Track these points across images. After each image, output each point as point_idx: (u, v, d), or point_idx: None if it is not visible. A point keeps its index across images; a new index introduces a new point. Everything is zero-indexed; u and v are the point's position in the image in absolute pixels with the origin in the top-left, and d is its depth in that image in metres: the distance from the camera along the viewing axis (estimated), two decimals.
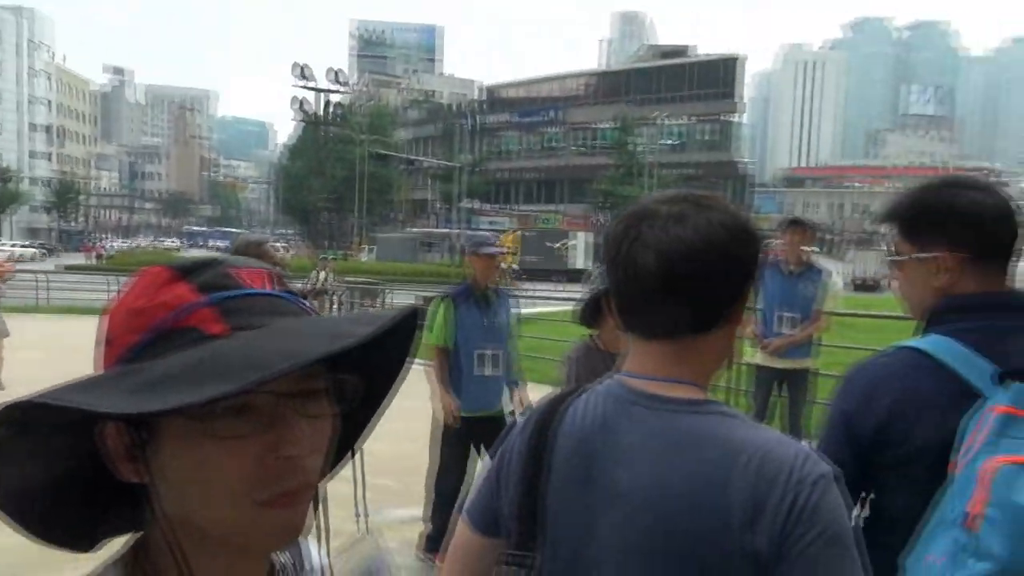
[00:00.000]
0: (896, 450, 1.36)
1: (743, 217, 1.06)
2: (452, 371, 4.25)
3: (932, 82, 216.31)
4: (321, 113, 18.35)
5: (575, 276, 39.81)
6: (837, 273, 6.34)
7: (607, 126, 56.99)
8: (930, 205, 1.47)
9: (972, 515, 1.21)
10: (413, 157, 50.64)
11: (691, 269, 1.00)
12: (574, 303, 3.22)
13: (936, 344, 1.39)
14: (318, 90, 19.72)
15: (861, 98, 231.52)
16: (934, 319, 1.44)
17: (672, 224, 1.01)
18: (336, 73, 19.21)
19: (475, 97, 77.63)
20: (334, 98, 19.15)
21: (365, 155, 47.29)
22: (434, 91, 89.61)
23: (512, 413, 4.28)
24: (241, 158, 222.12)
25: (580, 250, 41.20)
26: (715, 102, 57.61)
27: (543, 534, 1.05)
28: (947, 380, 1.34)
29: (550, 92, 66.55)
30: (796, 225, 5.51)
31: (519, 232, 46.09)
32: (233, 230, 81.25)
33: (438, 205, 63.89)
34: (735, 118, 59.73)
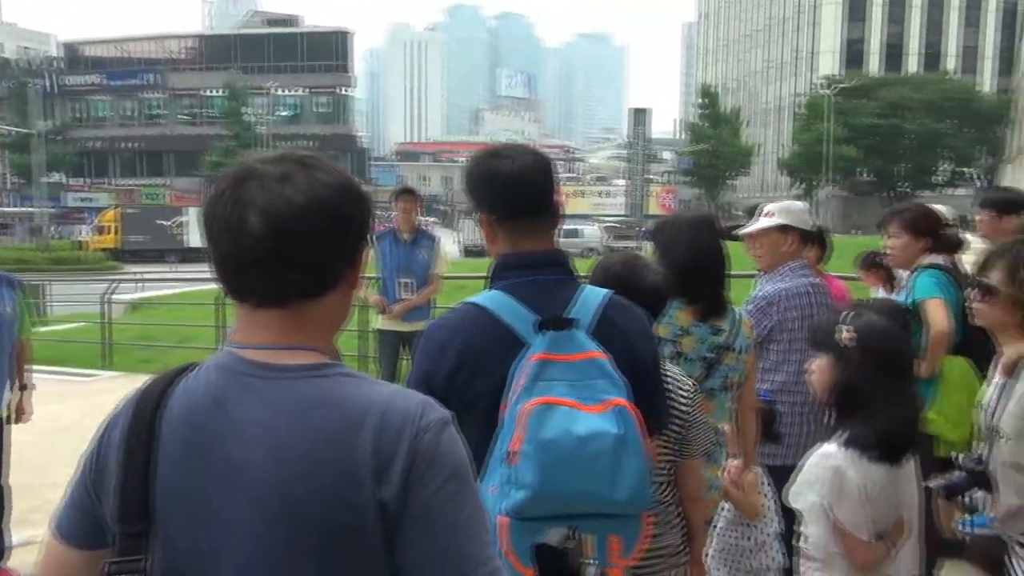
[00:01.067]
0: (461, 397, 1.49)
1: (350, 177, 1.04)
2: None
3: (519, 68, 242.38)
4: None
5: (191, 256, 37.07)
6: (450, 240, 6.87)
7: (216, 94, 53.39)
8: (468, 173, 1.67)
9: (512, 452, 1.41)
10: None
11: (301, 230, 0.95)
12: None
13: (491, 299, 1.58)
14: None
15: (462, 78, 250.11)
16: (494, 276, 1.64)
17: (277, 184, 0.96)
18: None
19: (52, 54, 66.70)
20: None
21: None
22: None
23: None
24: None
25: (194, 227, 38.27)
26: (328, 75, 57.41)
27: (155, 531, 0.96)
28: (500, 331, 1.53)
29: (147, 53, 59.95)
30: (406, 193, 5.87)
31: (120, 209, 41.27)
32: None
33: (11, 180, 53.87)
34: (349, 91, 60.28)
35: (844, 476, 1.88)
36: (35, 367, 11.06)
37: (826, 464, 1.91)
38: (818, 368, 2.04)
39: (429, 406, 0.98)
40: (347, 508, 0.92)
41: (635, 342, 1.62)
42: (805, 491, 1.94)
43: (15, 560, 4.15)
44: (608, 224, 42.69)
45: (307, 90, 57.05)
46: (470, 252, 42.54)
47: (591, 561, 1.07)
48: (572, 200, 49.93)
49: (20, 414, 4.08)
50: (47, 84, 55.43)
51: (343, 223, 1.00)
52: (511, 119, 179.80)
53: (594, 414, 1.44)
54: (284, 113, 55.39)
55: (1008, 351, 2.06)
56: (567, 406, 1.44)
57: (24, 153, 42.94)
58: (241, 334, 1.02)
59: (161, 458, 0.96)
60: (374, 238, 5.93)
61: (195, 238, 37.76)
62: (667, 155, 71.64)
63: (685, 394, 2.02)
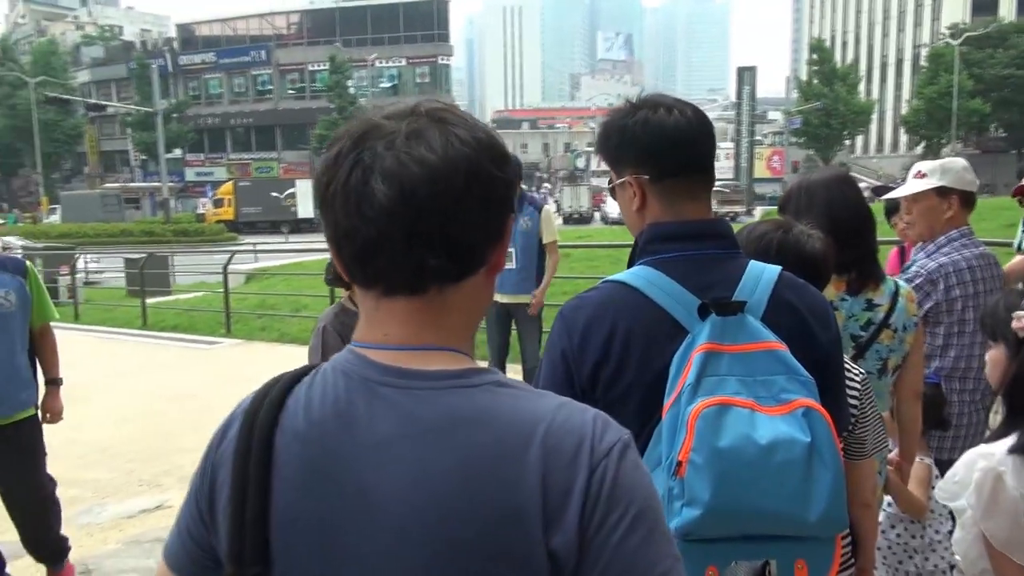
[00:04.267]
0: (607, 392, 1.31)
1: (492, 133, 0.83)
2: None
3: (618, 29, 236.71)
4: None
5: (303, 226, 38.40)
6: (553, 206, 6.66)
7: (320, 68, 54.72)
8: (612, 128, 1.44)
9: (680, 462, 1.20)
10: (99, 102, 44.37)
11: (437, 199, 0.76)
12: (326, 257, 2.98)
13: (641, 276, 1.35)
14: None
15: (560, 42, 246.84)
16: (643, 249, 1.41)
17: (406, 142, 0.77)
18: None
19: (169, 35, 70.05)
20: None
21: (31, 99, 40.80)
22: (118, 27, 79.17)
23: None
24: None
25: (307, 199, 39.65)
26: (427, 44, 57.72)
27: (272, 566, 0.79)
28: (656, 316, 1.31)
29: (254, 30, 61.99)
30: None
31: (234, 182, 43.17)
32: None
33: (138, 157, 57.34)
34: (447, 60, 60.45)
35: (1002, 484, 1.57)
36: (165, 334, 11.71)
37: (983, 466, 1.60)
38: (991, 360, 1.75)
39: (606, 424, 0.80)
40: (509, 560, 0.74)
41: (815, 329, 1.38)
42: (957, 492, 1.68)
43: (147, 524, 4.34)
44: (714, 188, 41.21)
45: (406, 60, 57.58)
46: (569, 220, 42.29)
47: None
48: None
49: (47, 413, 3.49)
50: (165, 64, 58.26)
51: (487, 189, 0.79)
52: (610, 83, 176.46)
53: (777, 417, 1.21)
54: (385, 85, 56.22)
55: None
56: (745, 407, 1.21)
57: (147, 131, 45.39)
58: (367, 330, 0.84)
59: (278, 484, 0.79)
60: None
61: (304, 209, 39.22)
62: (775, 115, 68.57)
63: (856, 385, 1.78)
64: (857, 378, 1.80)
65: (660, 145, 1.38)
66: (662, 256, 1.37)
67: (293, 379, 0.85)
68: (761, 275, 1.36)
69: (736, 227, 1.62)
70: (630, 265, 1.42)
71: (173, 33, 68.05)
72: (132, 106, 47.58)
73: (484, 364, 0.84)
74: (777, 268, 1.39)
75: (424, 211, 0.76)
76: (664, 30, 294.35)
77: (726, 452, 1.19)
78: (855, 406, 1.76)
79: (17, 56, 56.63)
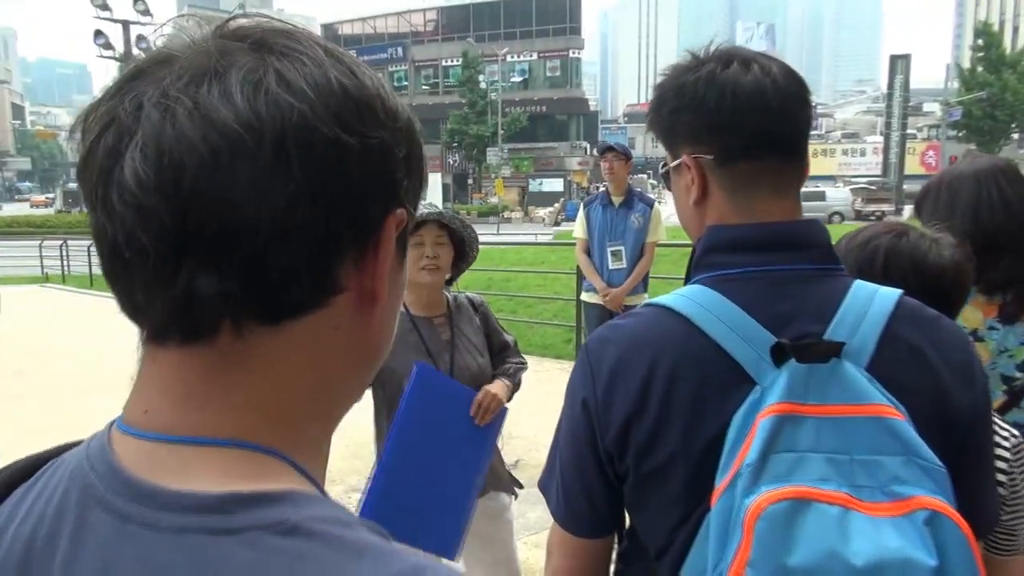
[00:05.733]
0: (640, 460, 0.94)
1: (359, 74, 0.51)
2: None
3: (760, 18, 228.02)
4: (126, 49, 16.04)
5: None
6: (663, 203, 6.20)
7: (453, 63, 55.78)
8: (666, 90, 1.04)
9: (731, 574, 0.82)
10: None
11: (220, 179, 0.44)
12: None
13: (694, 301, 0.95)
14: (116, 20, 17.47)
15: (697, 34, 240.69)
16: (697, 261, 1.02)
17: (187, 89, 0.45)
18: (134, 2, 17.03)
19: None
20: (145, 32, 17.06)
21: None
22: None
23: None
24: (62, 104, 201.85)
25: (435, 192, 40.70)
26: (558, 38, 57.52)
27: None
28: (711, 358, 0.92)
29: (393, 28, 64.11)
30: (611, 151, 5.13)
31: None
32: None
33: None
34: (579, 54, 59.97)
35: None
36: None
37: None
38: None
39: None
40: None
41: (952, 386, 0.93)
42: None
43: None
44: (858, 186, 38.59)
45: (537, 54, 57.63)
46: None
47: None
48: (817, 160, 46.20)
49: None
50: None
51: (323, 165, 0.47)
52: None
53: (884, 521, 0.81)
54: (515, 79, 56.53)
55: None
56: (834, 503, 0.82)
57: None
58: (132, 398, 0.51)
59: None
60: (585, 203, 5.46)
61: (433, 201, 40.13)
62: (931, 107, 63.58)
63: (1006, 454, 1.29)
64: (1008, 442, 1.31)
65: (729, 113, 0.98)
66: (724, 272, 0.98)
67: (14, 477, 0.53)
68: (870, 302, 0.94)
69: (838, 230, 1.16)
70: (686, 282, 1.03)
71: (319, 33, 71.43)
72: None
73: (304, 487, 0.47)
74: (895, 293, 0.97)
75: (196, 200, 0.44)
76: (810, 18, 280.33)
77: (803, 574, 0.79)
78: (1003, 483, 1.27)
79: None
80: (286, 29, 0.51)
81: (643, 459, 0.94)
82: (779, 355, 0.89)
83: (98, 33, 17.31)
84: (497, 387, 2.41)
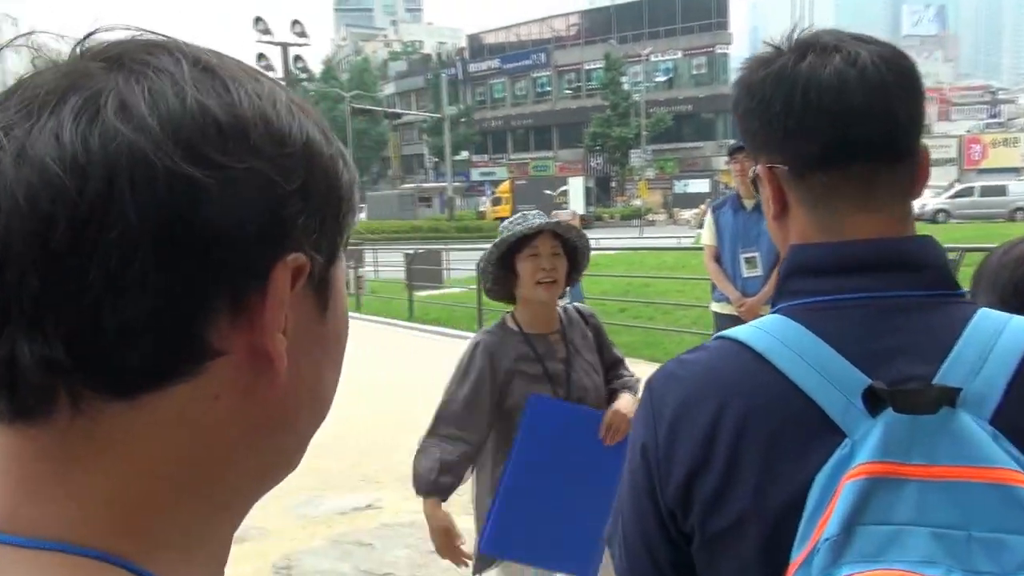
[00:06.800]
0: (706, 520, 0.80)
1: (235, 89, 0.42)
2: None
3: (928, 0, 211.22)
4: (285, 70, 17.42)
5: None
6: None
7: (595, 66, 55.59)
8: (741, 88, 0.90)
9: None
10: (395, 111, 49.70)
11: (38, 231, 0.37)
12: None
13: (773, 334, 0.81)
14: (275, 43, 18.82)
15: (858, 21, 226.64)
16: (779, 287, 0.88)
17: (26, 121, 0.38)
18: (292, 24, 18.28)
19: (461, 45, 75.97)
20: (304, 52, 18.49)
21: (347, 112, 47.04)
22: (419, 42, 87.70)
23: None
24: None
25: (578, 196, 40.83)
26: (704, 34, 55.88)
27: None
28: (788, 402, 0.77)
29: (535, 34, 64.84)
30: (741, 151, 4.55)
31: (511, 181, 45.75)
32: None
33: (431, 159, 63.15)
34: (726, 50, 57.99)
35: None
36: (426, 327, 12.31)
37: None
38: None
39: None
40: None
41: None
42: None
43: (355, 523, 4.39)
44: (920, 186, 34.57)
45: (682, 52, 56.27)
46: None
47: None
48: (997, 150, 41.97)
49: None
50: (456, 73, 63.25)
51: (165, 206, 0.38)
52: (918, 60, 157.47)
53: None
54: (659, 79, 55.50)
55: None
56: None
57: (439, 136, 49.63)
58: None
59: None
60: (713, 208, 5.17)
61: (575, 205, 40.24)
62: None
63: None
64: None
65: (798, 115, 0.83)
66: (807, 301, 0.82)
67: None
68: (997, 336, 0.76)
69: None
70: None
71: (464, 44, 73.53)
72: (425, 113, 52.29)
73: None
74: None
75: (10, 252, 0.37)
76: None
77: None
78: None
79: (338, 74, 65.24)
80: (156, 42, 0.43)
81: (709, 518, 0.79)
82: (873, 402, 0.72)
83: (260, 56, 18.66)
84: (624, 404, 2.33)
